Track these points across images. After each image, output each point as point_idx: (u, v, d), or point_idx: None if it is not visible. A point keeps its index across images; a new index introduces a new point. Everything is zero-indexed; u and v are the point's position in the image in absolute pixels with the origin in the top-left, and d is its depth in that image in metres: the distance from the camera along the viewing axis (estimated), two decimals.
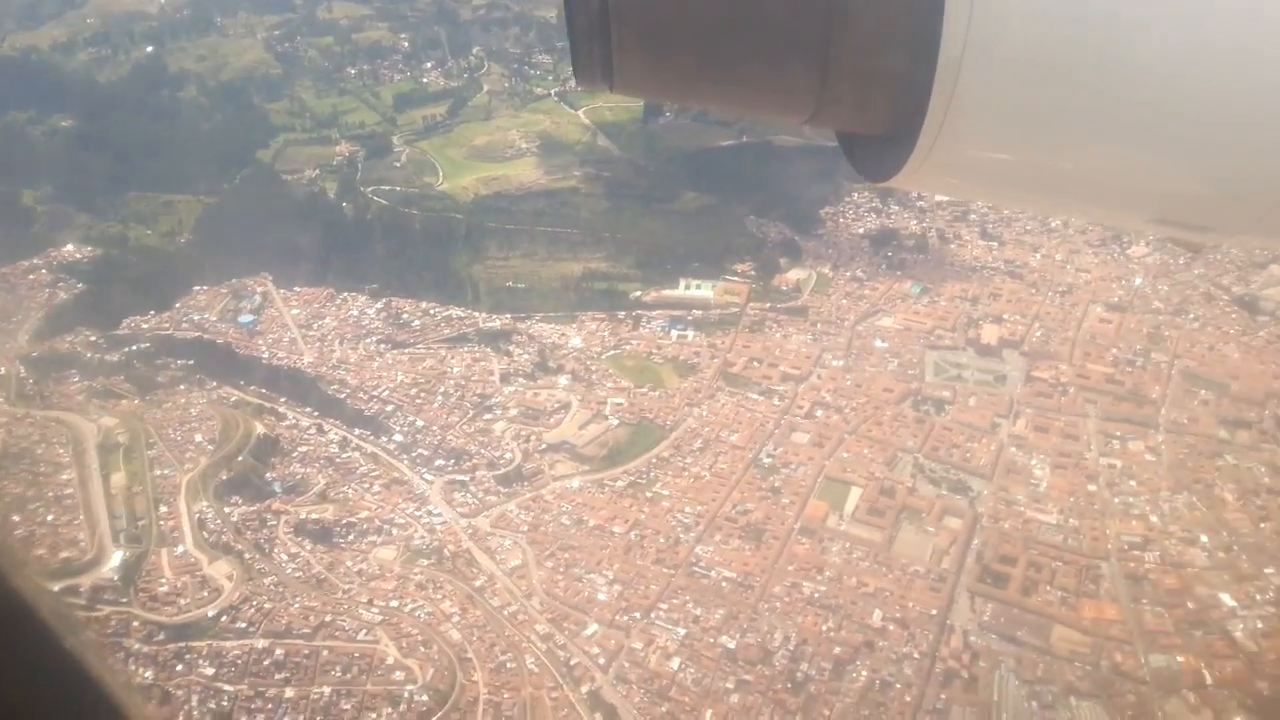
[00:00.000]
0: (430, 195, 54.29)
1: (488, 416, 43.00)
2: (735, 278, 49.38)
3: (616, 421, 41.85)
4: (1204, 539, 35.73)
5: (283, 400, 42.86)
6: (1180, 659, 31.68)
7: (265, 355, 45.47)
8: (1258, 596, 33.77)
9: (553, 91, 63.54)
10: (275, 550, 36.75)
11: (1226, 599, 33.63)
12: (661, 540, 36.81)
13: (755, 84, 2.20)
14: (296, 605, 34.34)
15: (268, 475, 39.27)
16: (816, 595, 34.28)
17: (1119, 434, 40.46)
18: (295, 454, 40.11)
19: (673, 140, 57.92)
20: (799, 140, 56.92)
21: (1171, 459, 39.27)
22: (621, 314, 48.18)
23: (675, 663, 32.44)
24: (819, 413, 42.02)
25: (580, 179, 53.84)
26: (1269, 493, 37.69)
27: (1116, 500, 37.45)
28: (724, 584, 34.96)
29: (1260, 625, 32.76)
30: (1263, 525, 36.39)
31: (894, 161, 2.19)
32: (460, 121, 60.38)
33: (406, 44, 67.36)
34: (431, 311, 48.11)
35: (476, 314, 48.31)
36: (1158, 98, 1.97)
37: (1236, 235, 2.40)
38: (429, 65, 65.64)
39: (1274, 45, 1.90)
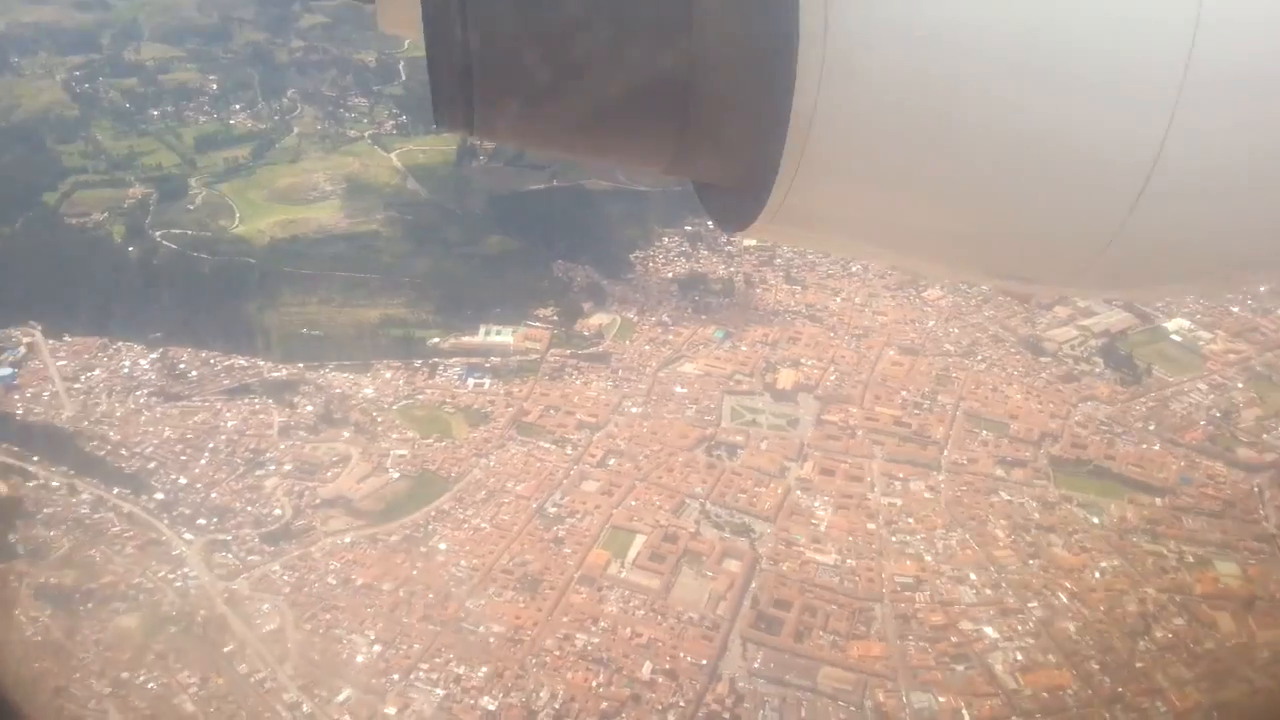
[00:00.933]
0: (224, 239, 52.10)
1: (260, 472, 40.86)
2: (537, 323, 48.69)
3: (397, 474, 40.37)
4: (973, 576, 36.38)
5: (34, 459, 39.84)
6: (941, 699, 31.95)
7: (20, 411, 42.34)
8: (1019, 628, 34.47)
9: (366, 134, 62.27)
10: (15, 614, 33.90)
11: (990, 632, 34.22)
12: (430, 596, 35.38)
13: (614, 134, 2.29)
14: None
15: (10, 538, 36.31)
16: (589, 648, 33.38)
17: (901, 475, 41.10)
18: (40, 516, 37.24)
19: (485, 183, 57.28)
20: (611, 184, 57.04)
21: (949, 497, 40.05)
22: (419, 362, 46.84)
23: None
24: (611, 461, 41.45)
25: (382, 222, 52.54)
26: (1037, 528, 38.75)
27: (894, 540, 37.87)
28: (492, 640, 33.73)
29: (1019, 658, 33.39)
30: (1030, 561, 37.31)
31: (748, 213, 2.29)
32: (265, 164, 58.40)
33: (215, 85, 65.11)
34: (212, 361, 45.76)
35: (261, 363, 46.20)
36: (987, 159, 2.12)
37: (1060, 287, 2.62)
38: (238, 107, 63.53)
39: (1084, 116, 2.07)
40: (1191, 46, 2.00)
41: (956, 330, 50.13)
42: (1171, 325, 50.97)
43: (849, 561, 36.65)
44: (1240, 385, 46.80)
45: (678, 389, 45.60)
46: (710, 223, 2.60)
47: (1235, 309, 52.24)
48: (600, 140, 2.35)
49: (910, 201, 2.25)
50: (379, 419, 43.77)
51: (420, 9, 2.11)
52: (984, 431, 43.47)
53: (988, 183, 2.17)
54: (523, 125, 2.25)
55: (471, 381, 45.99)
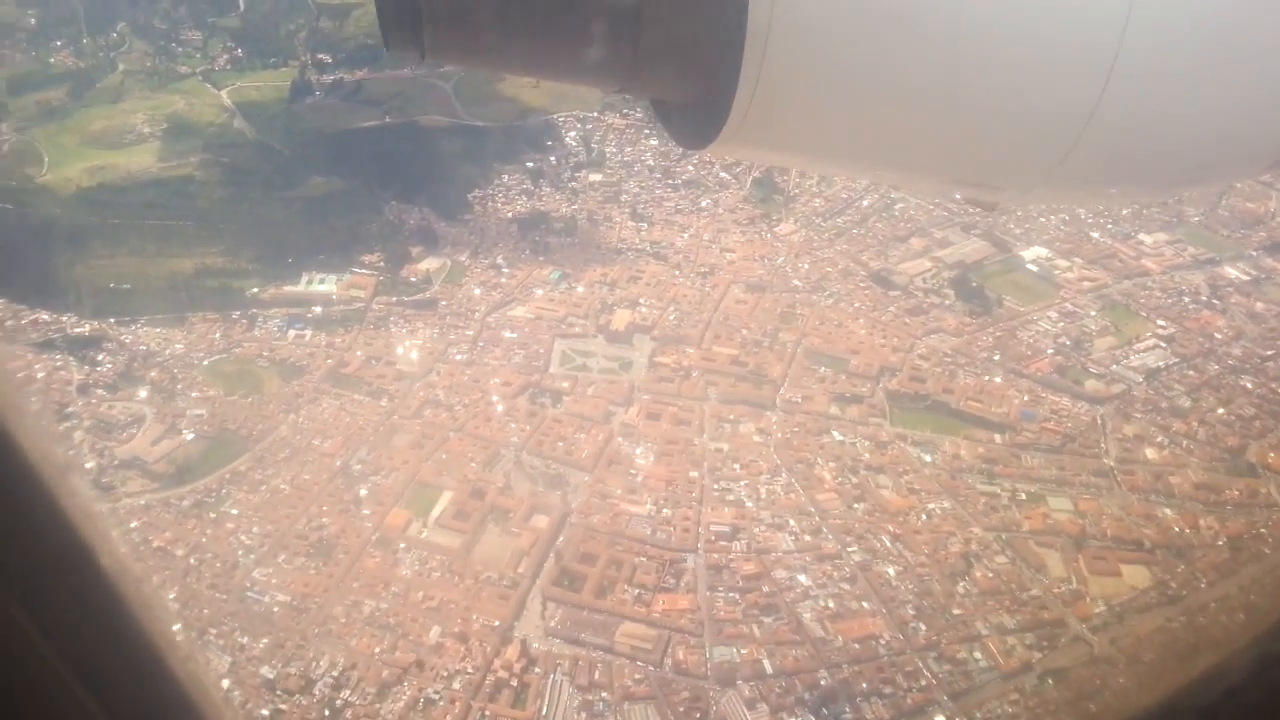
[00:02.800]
0: (29, 188, 48.31)
1: (60, 429, 37.99)
2: (363, 270, 45.95)
3: (192, 435, 37.74)
4: (793, 522, 34.96)
5: None
6: (744, 650, 30.57)
7: None
8: (834, 574, 33.16)
9: (198, 70, 58.26)
10: None
11: (803, 580, 32.88)
12: (218, 564, 33.10)
13: (567, 52, 2.23)
14: None
15: None
16: (377, 614, 31.42)
17: (732, 417, 39.46)
18: None
19: (319, 121, 53.89)
20: (447, 120, 54.18)
21: (780, 440, 38.52)
22: (236, 314, 43.96)
23: None
24: (427, 412, 39.24)
25: (197, 165, 49.06)
26: (866, 469, 37.40)
27: (716, 487, 36.27)
28: (277, 608, 31.61)
29: (831, 605, 32.11)
30: (855, 505, 35.97)
31: (709, 130, 2.26)
32: (84, 105, 54.35)
33: (34, 21, 60.40)
34: (20, 315, 42.53)
35: (65, 319, 43.00)
36: (950, 63, 2.09)
37: (1027, 191, 2.59)
38: (59, 44, 58.99)
39: (1046, 11, 2.06)
40: None
41: (807, 266, 48.36)
42: (1028, 254, 49.73)
43: (665, 511, 34.99)
44: (1094, 314, 45.71)
45: (507, 334, 43.41)
46: (671, 140, 2.44)
47: (1095, 234, 51.18)
48: (553, 58, 2.31)
49: (874, 110, 2.21)
50: (180, 376, 40.96)
51: None
52: (823, 368, 41.95)
53: (952, 86, 2.14)
54: (473, 45, 2.21)
55: (292, 333, 43.36)
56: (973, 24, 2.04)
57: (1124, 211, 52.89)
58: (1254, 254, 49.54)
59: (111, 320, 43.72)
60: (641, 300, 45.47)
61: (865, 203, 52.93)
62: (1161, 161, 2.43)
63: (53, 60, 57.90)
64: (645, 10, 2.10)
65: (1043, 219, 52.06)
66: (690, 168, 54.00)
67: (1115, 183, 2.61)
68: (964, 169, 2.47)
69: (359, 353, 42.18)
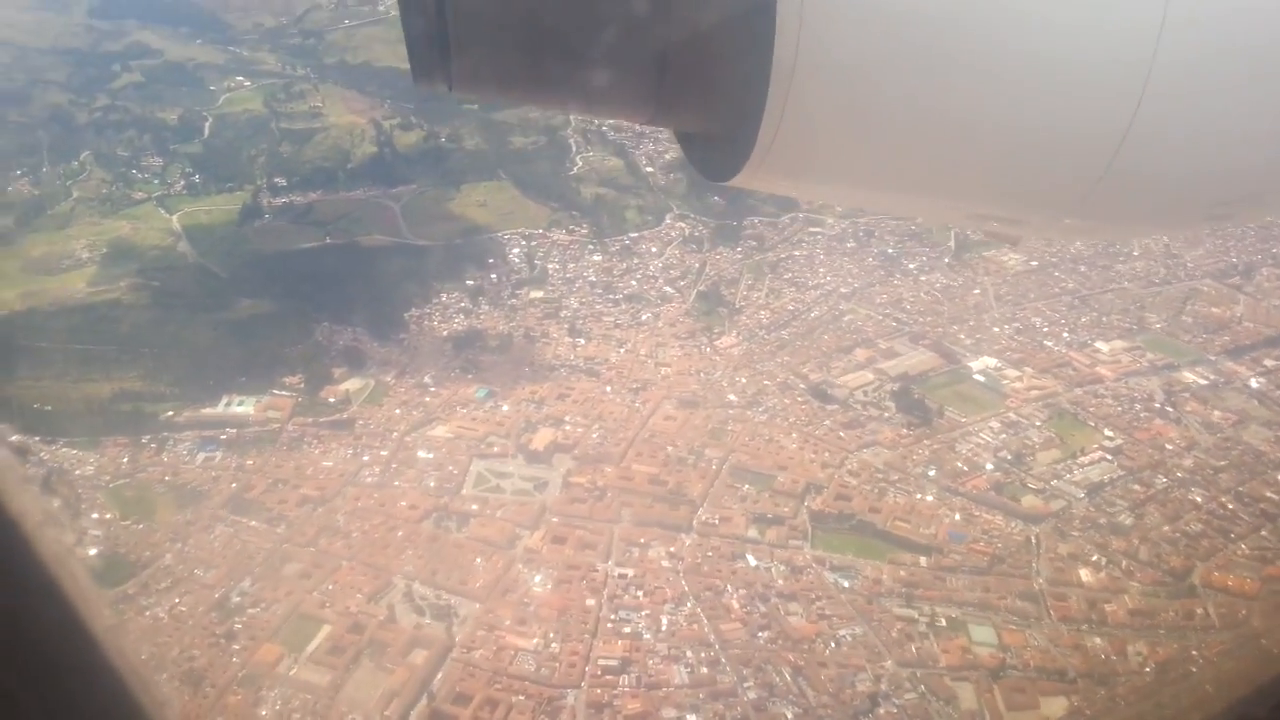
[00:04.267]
0: None
1: None
2: (283, 391, 45.10)
3: (94, 551, 36.45)
4: (690, 654, 32.66)
5: None
6: None
7: None
8: (727, 715, 30.70)
9: (154, 195, 59.04)
10: None
11: None
12: None
13: (594, 84, 2.23)
14: None
15: None
16: None
17: (643, 540, 37.53)
18: None
19: (261, 244, 54.04)
20: (390, 240, 54.11)
21: (690, 565, 36.47)
22: (147, 437, 43.08)
23: None
24: (322, 540, 37.68)
25: (126, 290, 49.03)
26: (778, 596, 35.17)
27: (613, 617, 34.15)
28: None
29: None
30: (759, 634, 33.65)
31: (734, 161, 2.27)
32: (31, 231, 54.96)
33: None
34: None
35: None
36: (975, 92, 2.09)
37: (1052, 223, 2.63)
38: (19, 173, 60.21)
39: (1074, 41, 2.04)
40: None
41: (745, 380, 46.88)
42: (976, 364, 47.97)
43: (553, 645, 32.84)
44: (1038, 424, 43.61)
45: (423, 455, 42.01)
46: (696, 172, 2.46)
47: (1049, 343, 49.42)
48: (580, 92, 2.28)
49: (900, 141, 2.18)
50: (85, 498, 39.91)
51: None
52: (746, 486, 40.08)
53: (977, 115, 2.11)
54: (500, 76, 2.17)
55: (201, 456, 42.30)
56: (997, 50, 2.04)
57: (1082, 319, 51.18)
58: (1214, 358, 47.44)
59: (35, 439, 43.08)
60: (567, 418, 44.08)
61: (814, 314, 51.73)
62: (1196, 189, 2.37)
63: (10, 189, 58.89)
64: (672, 41, 2.10)
65: (995, 329, 50.46)
66: (633, 282, 53.30)
67: (1146, 212, 2.55)
68: (990, 199, 2.42)
69: (265, 477, 40.94)
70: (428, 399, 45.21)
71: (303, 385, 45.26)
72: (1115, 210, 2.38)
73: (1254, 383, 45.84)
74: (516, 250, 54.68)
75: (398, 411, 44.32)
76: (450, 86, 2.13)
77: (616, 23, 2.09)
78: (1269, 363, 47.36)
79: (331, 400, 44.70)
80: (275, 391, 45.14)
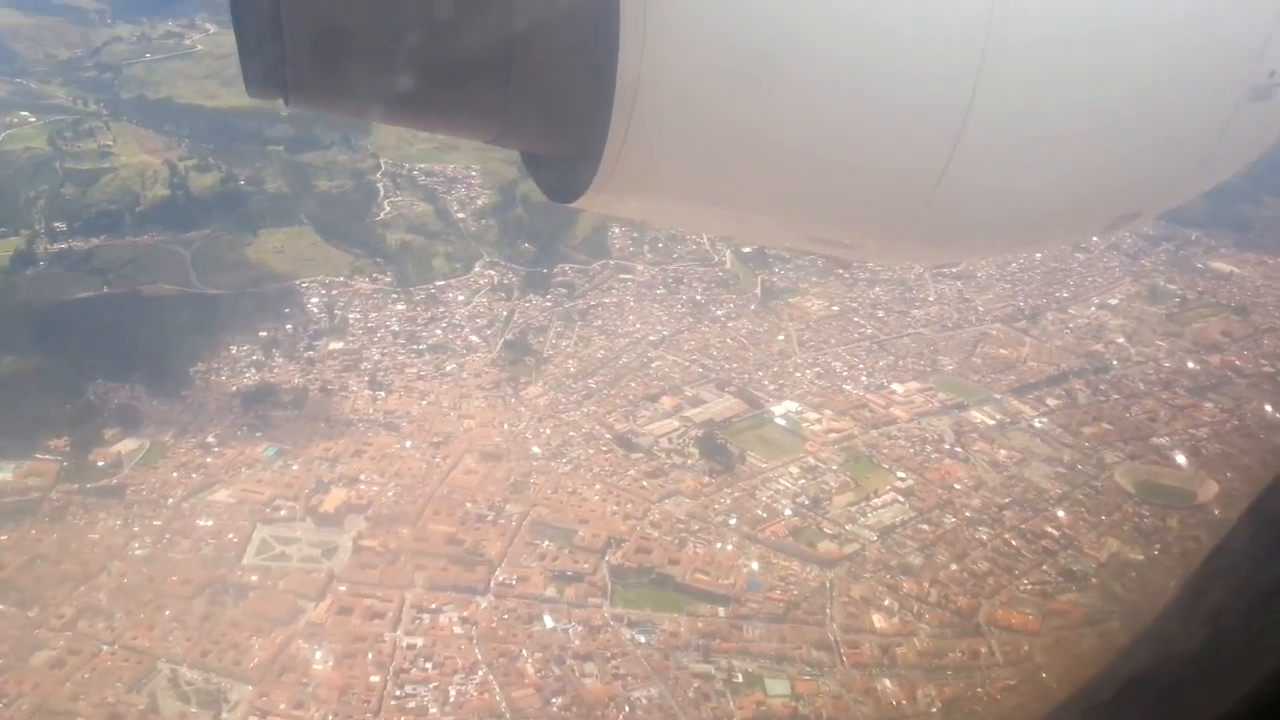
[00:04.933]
0: None
1: None
2: (47, 455, 41.60)
3: None
4: None
5: None
6: None
7: None
8: None
9: None
10: None
11: None
12: None
13: (436, 102, 2.22)
14: None
15: None
16: None
17: (435, 606, 36.10)
18: None
19: (32, 294, 50.11)
20: (177, 289, 51.10)
21: (484, 631, 35.24)
22: None
23: None
24: (81, 623, 34.67)
25: None
26: (574, 657, 34.33)
27: (399, 692, 32.55)
28: None
29: None
30: (553, 700, 32.70)
31: (579, 182, 2.31)
32: None
33: None
34: None
35: None
36: (806, 122, 2.15)
37: (885, 247, 2.67)
38: None
39: (898, 69, 2.12)
40: (992, 7, 2.08)
41: (549, 430, 46.07)
42: (779, 409, 48.61)
43: None
44: (835, 468, 44.43)
45: (201, 522, 39.37)
46: (543, 193, 2.48)
47: (848, 386, 50.60)
48: (421, 108, 2.26)
49: (737, 166, 2.24)
50: None
51: None
52: (547, 543, 39.18)
53: (807, 144, 2.17)
54: (338, 88, 2.13)
55: None
56: (827, 87, 2.10)
57: (880, 363, 52.75)
58: (999, 397, 49.60)
59: None
60: (362, 476, 42.25)
61: (622, 361, 51.48)
62: (1007, 224, 2.56)
63: None
64: (516, 59, 2.06)
65: (797, 374, 51.40)
66: (439, 331, 51.91)
67: (965, 243, 2.83)
68: (820, 225, 2.56)
69: (21, 553, 37.49)
70: (209, 460, 42.51)
71: (69, 448, 41.81)
72: (937, 240, 2.52)
73: (1037, 422, 48.06)
74: (316, 299, 52.49)
75: (175, 475, 41.47)
76: (286, 98, 2.06)
77: (458, 36, 2.05)
78: (1051, 401, 49.79)
79: (101, 464, 41.45)
80: (38, 455, 41.63)
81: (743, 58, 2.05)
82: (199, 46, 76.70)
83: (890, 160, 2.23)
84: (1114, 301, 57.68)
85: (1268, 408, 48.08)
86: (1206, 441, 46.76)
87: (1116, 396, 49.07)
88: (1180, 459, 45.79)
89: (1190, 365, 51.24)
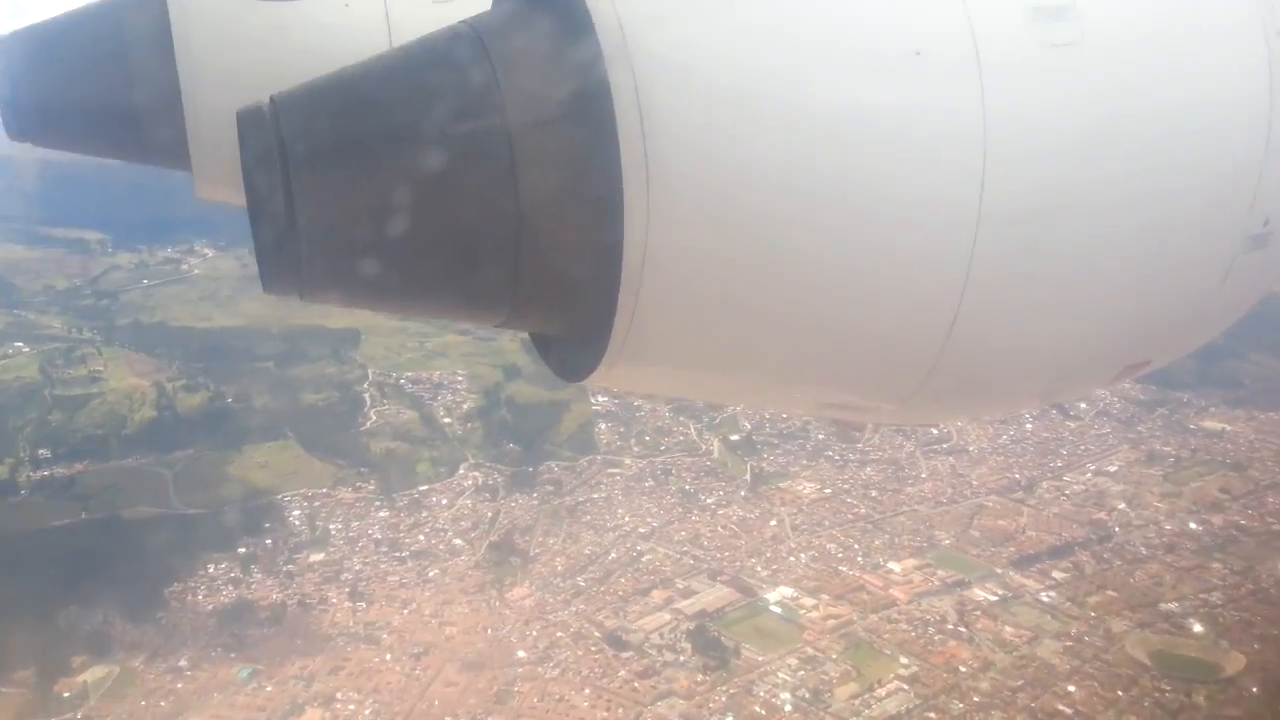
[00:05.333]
0: None
1: None
2: (11, 689, 39.91)
3: None
4: None
5: None
6: None
7: None
8: None
9: None
10: None
11: None
12: None
13: (447, 291, 2.30)
14: None
15: None
16: None
17: None
18: None
19: (10, 523, 49.44)
20: (156, 511, 50.54)
21: None
22: None
23: None
24: None
25: None
26: None
27: None
28: None
29: None
30: None
31: (588, 362, 2.32)
32: None
33: None
34: None
35: None
36: (812, 301, 2.23)
37: (894, 412, 2.69)
38: None
39: (894, 247, 2.19)
40: (982, 181, 2.15)
41: (536, 632, 44.40)
42: (773, 595, 47.03)
43: None
44: (834, 657, 42.48)
45: None
46: (554, 372, 2.52)
47: (843, 567, 49.16)
48: (433, 299, 2.37)
49: (745, 336, 2.30)
50: None
51: (241, 174, 2.09)
52: None
53: (816, 311, 2.24)
54: (352, 285, 2.22)
55: None
56: (829, 262, 2.15)
57: (875, 542, 51.46)
58: (1000, 571, 48.08)
59: None
60: (339, 694, 40.41)
61: (611, 556, 50.23)
62: (1014, 384, 2.62)
63: None
64: (522, 251, 2.12)
65: (791, 558, 50.06)
66: (421, 537, 50.91)
67: (973, 403, 2.91)
68: (827, 392, 2.59)
69: None
70: (180, 685, 40.75)
71: (33, 680, 40.11)
72: (944, 401, 2.56)
73: (1044, 596, 46.42)
74: (297, 512, 51.80)
75: (143, 703, 39.66)
76: (301, 295, 2.14)
77: (468, 231, 2.11)
78: (1057, 575, 48.28)
79: (67, 694, 39.64)
80: (1, 690, 39.83)
81: (745, 233, 2.11)
82: (196, 270, 79.16)
83: (893, 329, 2.29)
84: (1112, 468, 56.89)
85: None
86: (1222, 608, 44.93)
87: (1119, 562, 47.56)
88: (1197, 628, 43.90)
89: (1192, 526, 49.91)
